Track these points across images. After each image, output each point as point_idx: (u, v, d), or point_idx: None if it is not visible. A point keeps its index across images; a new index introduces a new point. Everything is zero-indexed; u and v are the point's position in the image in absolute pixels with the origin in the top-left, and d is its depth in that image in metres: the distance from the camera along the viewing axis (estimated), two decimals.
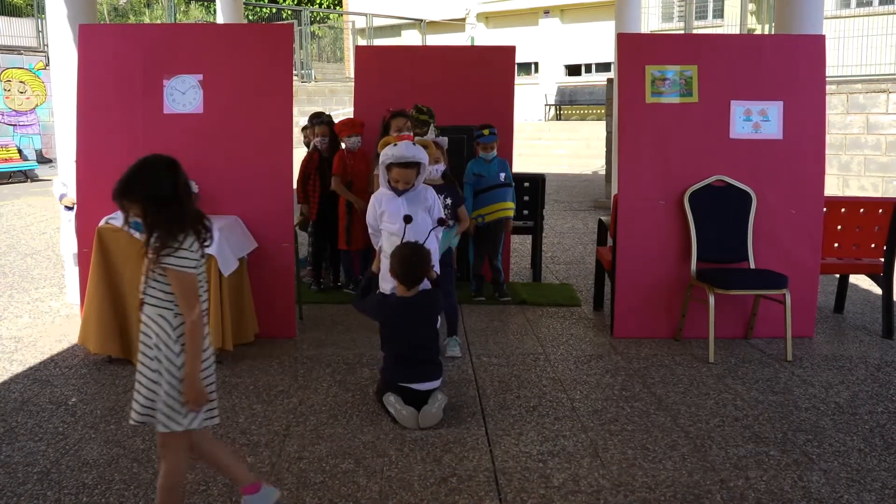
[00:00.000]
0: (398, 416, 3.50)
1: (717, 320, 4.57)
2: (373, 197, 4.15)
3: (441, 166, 4.68)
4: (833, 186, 10.97)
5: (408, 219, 3.86)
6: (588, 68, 24.36)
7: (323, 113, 6.43)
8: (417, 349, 3.63)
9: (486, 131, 5.57)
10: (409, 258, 3.65)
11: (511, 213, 5.77)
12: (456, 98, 6.17)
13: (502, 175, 5.65)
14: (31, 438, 3.34)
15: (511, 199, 5.74)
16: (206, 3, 25.54)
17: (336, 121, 6.12)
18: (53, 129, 8.35)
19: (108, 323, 4.23)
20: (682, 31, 15.55)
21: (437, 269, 3.99)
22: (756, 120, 4.80)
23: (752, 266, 4.69)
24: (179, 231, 2.38)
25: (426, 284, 3.82)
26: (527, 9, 24.64)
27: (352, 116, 6.10)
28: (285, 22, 22.26)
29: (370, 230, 4.17)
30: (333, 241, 6.04)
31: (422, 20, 22.93)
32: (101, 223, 4.30)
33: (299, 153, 6.70)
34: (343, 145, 5.82)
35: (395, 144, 4.01)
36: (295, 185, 5.99)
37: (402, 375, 3.60)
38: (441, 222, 4.02)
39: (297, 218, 5.58)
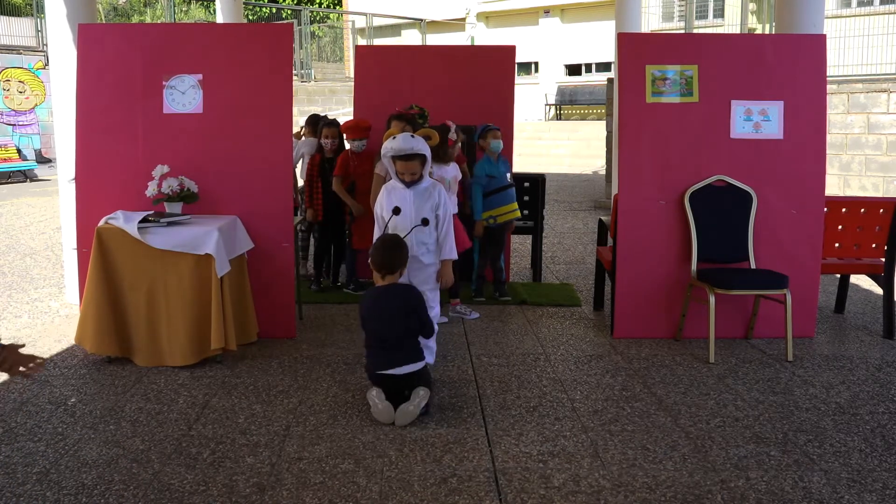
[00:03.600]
0: (374, 410, 3.50)
1: (718, 320, 4.56)
2: (383, 188, 4.21)
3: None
4: (834, 186, 10.96)
5: (425, 222, 3.94)
6: (588, 68, 24.36)
7: (322, 116, 6.44)
8: (388, 336, 3.60)
9: (490, 125, 5.56)
10: (381, 246, 3.72)
11: (518, 214, 5.77)
12: (456, 98, 6.16)
13: (508, 175, 5.65)
14: (30, 439, 3.34)
15: (514, 199, 5.74)
16: (205, 3, 25.54)
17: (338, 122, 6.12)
18: (53, 128, 8.35)
19: (106, 322, 4.22)
20: (683, 31, 15.54)
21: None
22: (757, 120, 4.79)
23: (753, 266, 4.68)
24: None
25: (429, 287, 3.90)
26: (527, 8, 24.65)
27: (352, 117, 6.09)
28: (285, 21, 22.25)
29: (376, 220, 4.20)
30: (336, 241, 6.04)
31: (422, 20, 22.92)
32: (101, 223, 4.30)
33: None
34: (347, 146, 5.81)
35: (394, 137, 4.08)
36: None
37: (377, 363, 3.58)
38: (424, 222, 4.06)
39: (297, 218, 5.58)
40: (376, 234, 4.18)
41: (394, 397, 3.52)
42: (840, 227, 4.97)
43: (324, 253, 6.09)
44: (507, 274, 6.23)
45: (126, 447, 3.25)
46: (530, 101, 23.18)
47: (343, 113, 15.34)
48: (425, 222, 4.05)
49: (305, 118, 6.67)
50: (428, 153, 4.11)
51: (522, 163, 15.08)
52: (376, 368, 3.59)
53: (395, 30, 26.36)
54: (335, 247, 6.09)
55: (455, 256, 4.25)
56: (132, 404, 3.73)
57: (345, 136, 5.80)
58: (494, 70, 6.31)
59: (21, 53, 16.63)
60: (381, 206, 4.18)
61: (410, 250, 3.92)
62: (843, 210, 4.97)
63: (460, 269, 5.49)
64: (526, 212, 6.43)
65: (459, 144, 5.49)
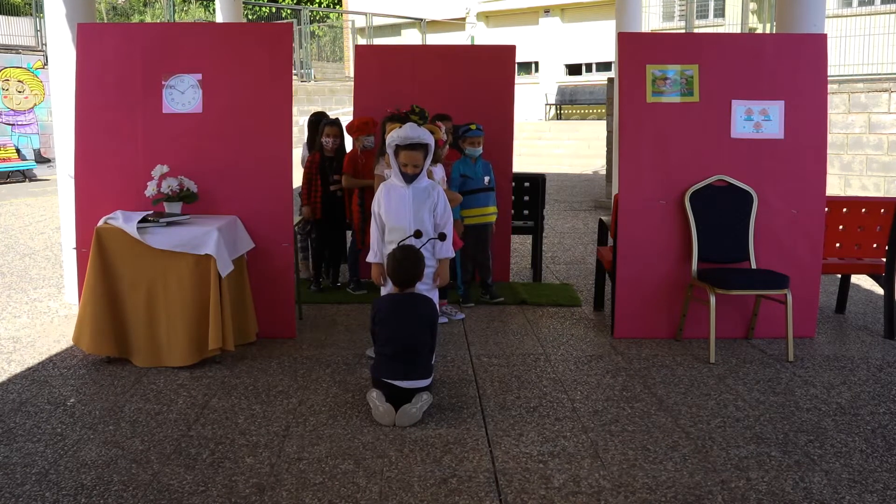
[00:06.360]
0: (375, 412, 3.50)
1: (718, 320, 4.56)
2: (382, 185, 4.21)
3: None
4: (835, 186, 10.95)
5: (418, 234, 3.94)
6: (588, 68, 24.35)
7: (325, 114, 6.43)
8: (402, 346, 3.59)
9: (472, 126, 5.52)
10: (402, 262, 3.73)
11: (494, 219, 5.67)
12: (456, 97, 6.15)
13: (486, 178, 5.57)
14: (29, 439, 3.33)
15: (493, 203, 5.64)
16: (205, 3, 25.53)
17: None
18: (52, 128, 8.35)
19: (104, 323, 4.21)
20: (683, 31, 15.54)
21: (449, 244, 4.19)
22: (757, 119, 4.78)
23: (754, 266, 4.67)
24: None
25: (426, 287, 3.91)
26: (527, 8, 24.64)
27: (352, 117, 6.08)
28: (285, 21, 22.24)
29: (373, 217, 4.21)
30: (334, 242, 6.03)
31: (422, 19, 22.91)
32: (100, 223, 4.29)
33: (297, 153, 6.68)
34: (352, 146, 5.80)
35: (401, 126, 4.10)
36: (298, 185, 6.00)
37: (386, 371, 3.57)
38: (441, 237, 4.08)
39: (296, 218, 5.57)
40: (372, 231, 4.20)
41: (394, 399, 3.52)
42: (841, 226, 4.97)
43: (322, 252, 6.07)
44: (506, 274, 6.22)
45: (125, 448, 3.25)
46: (530, 100, 23.18)
47: (343, 113, 15.33)
48: (442, 237, 4.08)
49: (306, 118, 6.65)
50: (432, 144, 4.13)
51: (522, 163, 15.06)
52: (383, 375, 3.57)
53: (395, 29, 26.36)
54: (333, 247, 6.08)
55: (452, 254, 4.28)
56: (131, 405, 3.73)
57: (352, 136, 5.78)
58: (494, 70, 6.30)
59: (20, 53, 16.63)
60: (379, 203, 4.18)
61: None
62: (844, 210, 4.96)
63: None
64: (526, 212, 6.42)
65: (447, 147, 5.48)
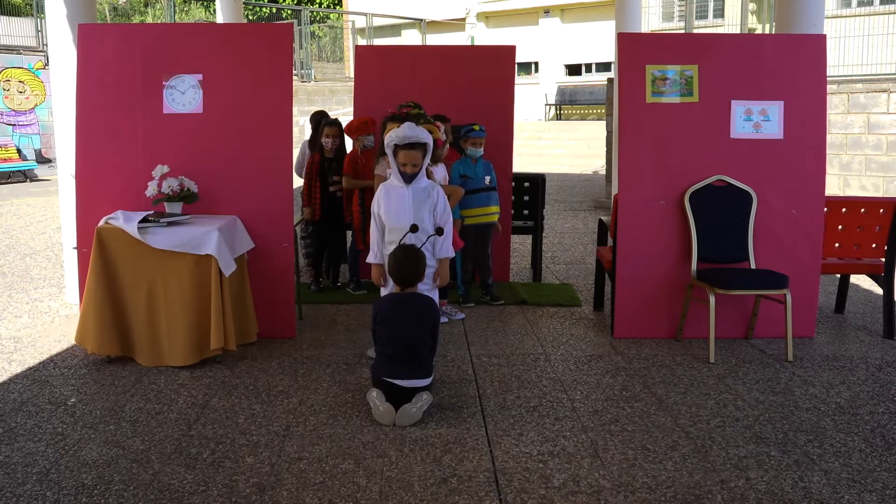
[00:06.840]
0: (375, 412, 3.51)
1: (718, 320, 4.56)
2: (381, 186, 4.21)
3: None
4: (834, 186, 10.96)
5: (414, 228, 3.94)
6: (588, 68, 24.37)
7: (326, 113, 6.45)
8: (403, 346, 3.59)
9: (476, 126, 5.52)
10: (402, 261, 3.74)
11: (496, 219, 5.65)
12: (456, 98, 6.16)
13: (487, 178, 5.56)
14: (30, 439, 3.34)
15: (496, 202, 5.63)
16: (205, 3, 25.54)
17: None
18: (53, 129, 8.35)
19: (107, 322, 4.22)
20: (683, 31, 15.54)
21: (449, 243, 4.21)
22: (757, 120, 4.79)
23: (753, 266, 4.68)
24: None
25: (426, 287, 3.93)
26: (527, 8, 24.66)
27: (353, 118, 6.09)
28: (285, 21, 22.24)
29: (373, 218, 4.21)
30: (333, 242, 6.04)
31: (422, 20, 22.92)
32: (101, 223, 4.30)
33: (294, 153, 6.68)
34: (352, 147, 5.80)
35: (399, 126, 4.10)
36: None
37: (386, 370, 3.58)
38: (439, 231, 4.07)
39: (297, 218, 5.57)
40: (372, 231, 4.20)
41: (395, 399, 3.53)
42: (840, 227, 4.97)
43: (321, 252, 6.08)
44: (506, 274, 6.23)
45: (126, 447, 3.25)
46: (530, 101, 23.19)
47: (343, 113, 15.34)
48: (440, 231, 4.08)
49: (307, 118, 6.66)
50: (430, 143, 4.14)
51: (522, 163, 15.07)
52: (383, 375, 3.58)
53: (395, 30, 26.37)
54: (333, 247, 6.09)
55: (452, 254, 4.28)
56: (132, 404, 3.73)
57: (352, 137, 5.79)
58: (494, 70, 6.31)
59: (21, 53, 16.63)
60: (379, 204, 4.18)
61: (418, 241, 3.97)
62: (844, 210, 4.97)
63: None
64: (526, 212, 6.43)
65: (447, 147, 5.48)
